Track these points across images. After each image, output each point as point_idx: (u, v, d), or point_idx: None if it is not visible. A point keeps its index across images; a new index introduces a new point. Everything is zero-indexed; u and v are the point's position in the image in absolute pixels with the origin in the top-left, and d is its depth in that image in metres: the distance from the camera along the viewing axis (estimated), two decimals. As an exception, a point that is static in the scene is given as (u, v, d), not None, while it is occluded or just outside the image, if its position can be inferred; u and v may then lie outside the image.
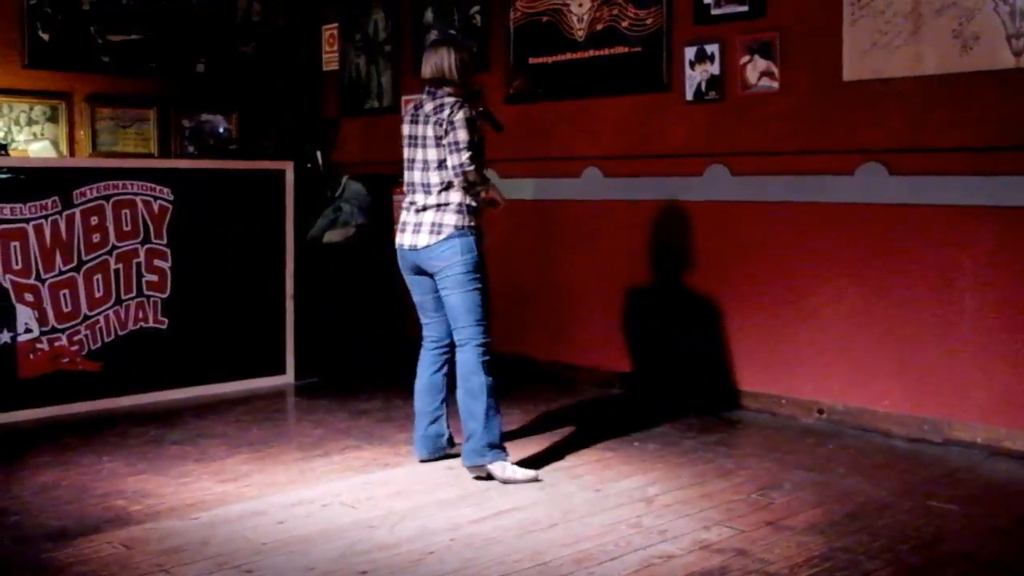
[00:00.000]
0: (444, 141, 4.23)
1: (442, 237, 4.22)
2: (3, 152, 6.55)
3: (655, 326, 5.99)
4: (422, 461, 4.49)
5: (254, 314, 6.11)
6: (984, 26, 4.64)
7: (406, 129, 4.41)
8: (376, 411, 5.47)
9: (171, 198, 5.73)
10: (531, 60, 6.55)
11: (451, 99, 4.27)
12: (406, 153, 4.40)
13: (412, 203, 4.36)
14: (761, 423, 5.31)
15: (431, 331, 4.49)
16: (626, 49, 6.02)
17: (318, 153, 7.70)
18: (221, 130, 7.84)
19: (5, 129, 6.86)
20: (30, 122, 6.98)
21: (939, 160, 4.83)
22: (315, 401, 5.76)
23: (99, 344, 5.53)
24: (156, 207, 5.69)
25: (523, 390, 6.01)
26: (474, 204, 4.29)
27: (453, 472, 4.35)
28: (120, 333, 5.60)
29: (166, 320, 5.75)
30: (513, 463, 4.27)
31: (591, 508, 3.91)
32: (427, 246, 4.25)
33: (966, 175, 4.74)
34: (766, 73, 5.40)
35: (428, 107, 4.30)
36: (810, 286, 5.31)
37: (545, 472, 4.36)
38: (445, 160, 4.24)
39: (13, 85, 6.89)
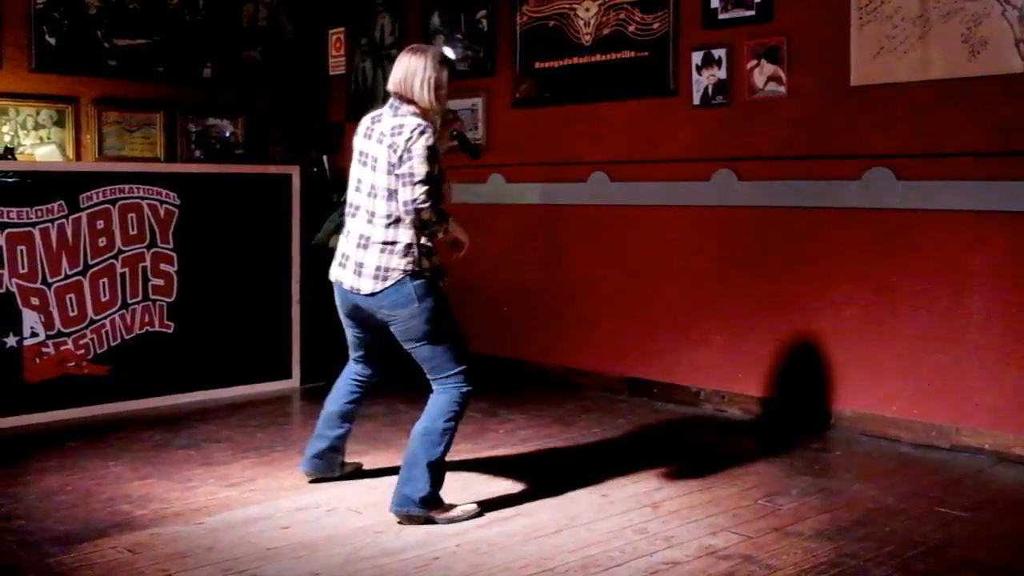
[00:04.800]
0: (398, 171, 3.66)
1: (389, 284, 3.69)
2: (10, 156, 6.57)
3: (663, 331, 5.97)
4: (311, 481, 4.23)
5: (260, 318, 6.11)
6: (992, 31, 4.63)
7: (357, 143, 3.87)
8: (381, 415, 5.46)
9: (177, 202, 5.74)
10: (538, 64, 6.55)
11: (414, 121, 3.70)
12: (353, 170, 3.87)
13: (351, 232, 3.84)
14: (768, 428, 5.29)
15: (359, 366, 4.16)
16: (633, 54, 6.02)
17: (324, 157, 7.70)
18: (228, 134, 7.85)
19: (12, 133, 6.87)
20: (37, 126, 6.99)
21: (947, 165, 4.82)
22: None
23: (105, 348, 5.53)
24: (162, 211, 5.70)
25: (530, 395, 6.01)
26: (428, 245, 3.74)
27: (459, 477, 4.34)
28: (126, 337, 5.60)
29: (172, 324, 5.75)
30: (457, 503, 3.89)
31: (597, 514, 3.90)
32: (372, 293, 3.73)
33: (974, 180, 4.73)
34: (773, 78, 5.38)
35: (386, 124, 3.75)
36: (817, 291, 5.29)
37: (552, 477, 4.35)
38: (395, 191, 3.68)
39: (20, 89, 6.90)
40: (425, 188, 3.64)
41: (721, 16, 5.57)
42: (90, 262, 5.46)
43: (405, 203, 3.65)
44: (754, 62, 5.45)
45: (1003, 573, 3.41)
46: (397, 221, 3.70)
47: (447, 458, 3.85)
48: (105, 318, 5.53)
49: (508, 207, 6.78)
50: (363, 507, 3.96)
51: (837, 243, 5.21)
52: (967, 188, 4.75)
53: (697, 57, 5.68)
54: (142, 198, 5.63)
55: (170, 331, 5.75)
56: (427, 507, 3.75)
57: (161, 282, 5.71)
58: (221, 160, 7.52)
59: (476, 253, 6.87)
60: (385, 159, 3.72)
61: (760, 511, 3.94)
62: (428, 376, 3.85)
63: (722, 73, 5.58)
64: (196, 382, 5.84)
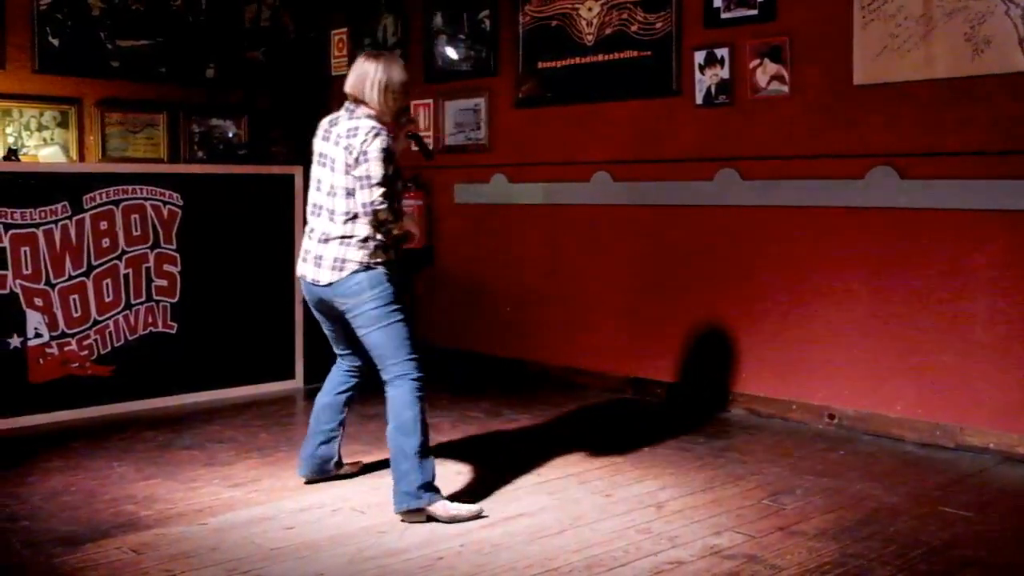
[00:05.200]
0: (354, 172, 3.82)
1: (344, 274, 3.84)
2: (13, 157, 6.58)
3: (666, 331, 5.97)
4: (307, 482, 4.27)
5: (264, 318, 6.11)
6: (996, 29, 4.63)
7: (317, 145, 4.02)
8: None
9: (180, 203, 5.75)
10: (540, 64, 6.55)
11: (368, 123, 3.86)
12: (314, 171, 4.02)
13: (313, 230, 3.97)
14: (772, 428, 5.29)
15: (346, 360, 4.25)
16: (635, 53, 6.01)
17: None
18: (230, 135, 7.85)
19: (16, 134, 6.88)
20: (40, 127, 6.99)
21: (950, 164, 4.82)
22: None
23: (109, 349, 5.54)
24: (165, 212, 5.70)
25: (533, 395, 6.01)
26: (383, 240, 3.88)
27: (462, 477, 4.34)
28: (130, 338, 5.61)
29: (175, 325, 5.76)
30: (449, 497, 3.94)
31: (601, 513, 3.90)
32: (330, 283, 3.88)
33: (978, 179, 4.72)
34: (776, 77, 5.38)
35: (342, 126, 3.92)
36: (821, 291, 5.29)
37: (555, 478, 4.35)
38: (353, 190, 3.84)
39: (23, 90, 6.90)
40: (382, 190, 3.80)
41: (724, 15, 5.57)
42: (94, 263, 5.46)
43: (364, 205, 3.81)
44: (757, 61, 5.45)
45: (1007, 573, 3.40)
46: (355, 217, 3.85)
47: (431, 445, 3.92)
48: (109, 319, 5.53)
49: (510, 207, 6.78)
50: (367, 507, 3.97)
51: (840, 242, 5.20)
52: (971, 187, 4.74)
53: (700, 57, 5.67)
54: (145, 199, 5.64)
55: (173, 331, 5.76)
56: (428, 493, 3.80)
57: (164, 283, 5.71)
58: (224, 161, 7.53)
59: (479, 253, 6.92)
60: (342, 160, 3.86)
61: (764, 511, 3.94)
62: (379, 367, 3.94)
63: (725, 73, 5.58)
64: (200, 382, 5.85)
